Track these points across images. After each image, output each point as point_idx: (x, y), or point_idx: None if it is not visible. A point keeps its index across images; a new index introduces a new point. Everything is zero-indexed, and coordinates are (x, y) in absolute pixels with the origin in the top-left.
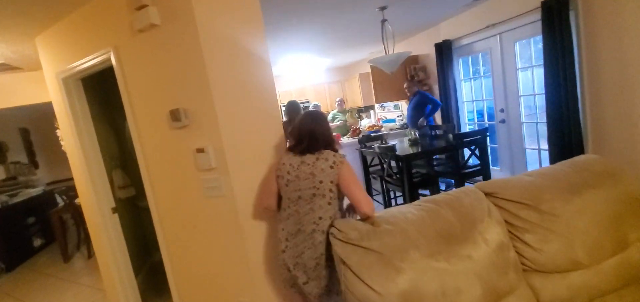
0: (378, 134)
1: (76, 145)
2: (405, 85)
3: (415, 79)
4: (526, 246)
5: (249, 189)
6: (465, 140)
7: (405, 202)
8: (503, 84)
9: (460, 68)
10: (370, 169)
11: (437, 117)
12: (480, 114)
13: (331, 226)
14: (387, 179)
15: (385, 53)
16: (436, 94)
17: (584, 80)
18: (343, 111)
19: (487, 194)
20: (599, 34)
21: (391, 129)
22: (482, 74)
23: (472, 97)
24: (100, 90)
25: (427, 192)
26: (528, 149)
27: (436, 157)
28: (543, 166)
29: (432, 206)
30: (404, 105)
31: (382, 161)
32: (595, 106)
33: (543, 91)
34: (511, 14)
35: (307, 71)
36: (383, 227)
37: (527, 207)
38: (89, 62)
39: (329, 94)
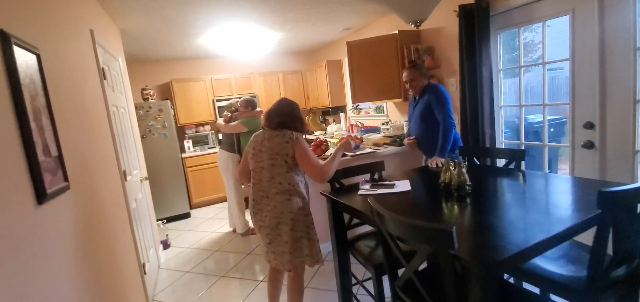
0: (360, 154)
1: None
2: (405, 75)
3: (420, 63)
4: None
5: None
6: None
7: None
8: (599, 78)
9: (499, 50)
10: (351, 236)
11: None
12: (532, 130)
13: (290, 187)
14: (404, 296)
15: None
16: (453, 94)
17: None
18: (248, 122)
19: None
20: None
21: (376, 145)
22: (544, 60)
23: (516, 101)
24: None
25: None
26: None
27: None
28: None
29: None
30: (392, 107)
31: (388, 242)
32: None
33: None
34: None
35: (251, 53)
36: None
37: None
38: None
39: (283, 87)
